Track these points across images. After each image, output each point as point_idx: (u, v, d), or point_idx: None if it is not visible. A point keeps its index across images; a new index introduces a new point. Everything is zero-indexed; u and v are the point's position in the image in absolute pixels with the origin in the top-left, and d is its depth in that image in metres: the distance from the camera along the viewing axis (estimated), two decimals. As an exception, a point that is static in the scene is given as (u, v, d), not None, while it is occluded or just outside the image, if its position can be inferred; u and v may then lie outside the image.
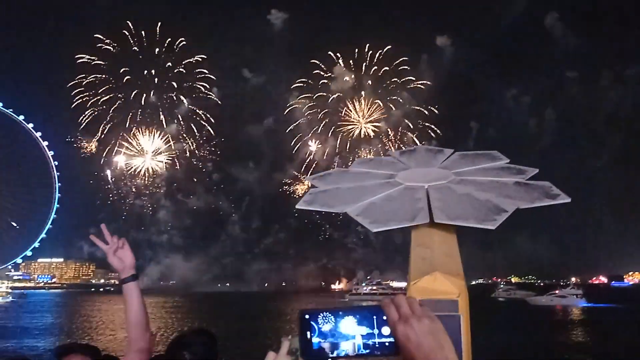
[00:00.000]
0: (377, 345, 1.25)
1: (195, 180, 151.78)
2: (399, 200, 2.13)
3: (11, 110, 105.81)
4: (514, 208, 1.95)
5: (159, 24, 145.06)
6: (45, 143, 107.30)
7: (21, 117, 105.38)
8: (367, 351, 1.25)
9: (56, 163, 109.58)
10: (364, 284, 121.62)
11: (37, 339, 44.52)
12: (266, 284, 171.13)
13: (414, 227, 1.99)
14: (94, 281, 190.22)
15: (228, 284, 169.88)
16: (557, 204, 2.14)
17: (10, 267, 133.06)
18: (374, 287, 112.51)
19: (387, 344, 1.24)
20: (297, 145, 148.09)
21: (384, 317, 1.25)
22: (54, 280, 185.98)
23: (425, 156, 2.68)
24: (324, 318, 1.26)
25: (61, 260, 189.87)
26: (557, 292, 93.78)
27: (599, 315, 65.88)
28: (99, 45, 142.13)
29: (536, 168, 2.28)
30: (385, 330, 1.25)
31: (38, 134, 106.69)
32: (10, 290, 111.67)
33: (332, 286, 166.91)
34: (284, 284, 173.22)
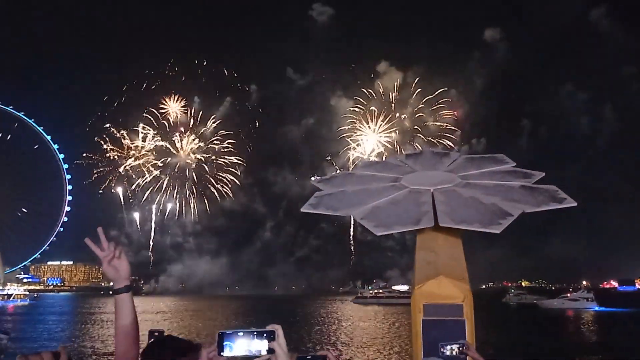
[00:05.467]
0: None
1: (225, 182, 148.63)
2: (404, 204, 2.12)
3: (22, 113, 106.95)
4: (519, 212, 1.94)
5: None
6: (55, 146, 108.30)
7: (32, 120, 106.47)
8: None
9: (67, 166, 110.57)
10: (369, 288, 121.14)
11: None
12: (276, 288, 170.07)
13: (419, 230, 1.98)
14: (103, 284, 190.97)
15: (237, 287, 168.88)
16: (565, 207, 2.11)
17: (20, 269, 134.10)
18: (380, 291, 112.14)
19: None
20: (340, 148, 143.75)
21: None
22: (63, 283, 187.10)
23: (431, 159, 2.67)
24: None
25: (70, 263, 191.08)
26: (568, 295, 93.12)
27: (612, 319, 65.22)
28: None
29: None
30: None
31: (48, 137, 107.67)
32: (27, 293, 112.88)
33: (344, 288, 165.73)
34: (292, 288, 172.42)
